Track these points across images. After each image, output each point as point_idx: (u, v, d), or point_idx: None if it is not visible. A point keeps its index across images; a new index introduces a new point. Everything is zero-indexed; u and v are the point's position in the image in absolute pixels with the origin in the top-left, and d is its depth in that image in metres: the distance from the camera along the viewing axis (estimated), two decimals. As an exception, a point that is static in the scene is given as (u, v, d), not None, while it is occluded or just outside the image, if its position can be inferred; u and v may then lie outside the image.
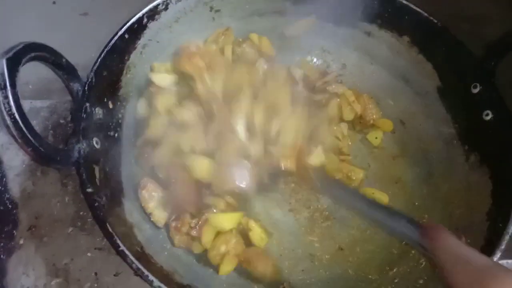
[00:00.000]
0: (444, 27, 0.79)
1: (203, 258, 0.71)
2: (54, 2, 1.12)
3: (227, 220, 0.70)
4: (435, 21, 0.80)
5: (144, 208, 0.70)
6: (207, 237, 0.68)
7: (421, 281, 0.68)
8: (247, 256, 0.70)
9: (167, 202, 0.70)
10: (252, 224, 0.73)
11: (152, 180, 0.71)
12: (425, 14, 0.80)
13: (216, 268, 0.70)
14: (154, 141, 0.73)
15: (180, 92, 0.77)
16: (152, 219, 0.70)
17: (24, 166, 0.83)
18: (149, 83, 0.78)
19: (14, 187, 0.80)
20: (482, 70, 0.75)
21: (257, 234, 0.73)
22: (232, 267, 0.70)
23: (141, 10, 0.77)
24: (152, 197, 0.70)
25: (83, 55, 0.71)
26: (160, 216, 0.70)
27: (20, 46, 0.56)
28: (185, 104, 0.74)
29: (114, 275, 0.75)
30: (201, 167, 0.70)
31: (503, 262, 0.83)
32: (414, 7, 0.81)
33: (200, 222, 0.68)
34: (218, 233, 0.70)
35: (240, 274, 0.71)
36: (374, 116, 0.86)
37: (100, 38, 0.76)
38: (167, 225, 0.71)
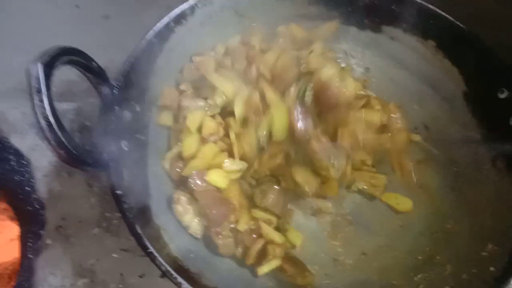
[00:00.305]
0: (470, 31, 0.79)
1: (230, 261, 0.72)
2: (77, 6, 1.14)
3: (279, 236, 0.73)
4: (461, 25, 0.79)
5: (180, 222, 0.71)
6: (255, 249, 0.71)
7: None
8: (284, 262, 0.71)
9: (202, 215, 0.71)
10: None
11: (184, 193, 0.72)
12: (451, 18, 0.80)
13: (241, 270, 0.71)
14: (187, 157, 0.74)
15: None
16: (189, 232, 0.71)
17: (51, 167, 0.84)
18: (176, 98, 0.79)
19: (42, 188, 0.82)
20: (509, 75, 0.74)
21: (293, 232, 0.75)
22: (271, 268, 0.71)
23: (166, 14, 0.78)
24: (186, 210, 0.71)
25: (106, 58, 0.72)
26: (197, 228, 0.71)
27: (55, 50, 0.57)
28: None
29: (140, 276, 0.75)
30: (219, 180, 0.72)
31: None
32: (440, 11, 0.81)
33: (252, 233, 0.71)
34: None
35: (270, 278, 0.72)
36: (399, 126, 0.84)
37: (122, 41, 0.77)
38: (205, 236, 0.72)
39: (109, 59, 0.75)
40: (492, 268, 0.63)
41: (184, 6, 0.79)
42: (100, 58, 0.68)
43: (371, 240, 0.78)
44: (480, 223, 0.71)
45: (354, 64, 0.93)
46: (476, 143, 0.79)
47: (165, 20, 0.77)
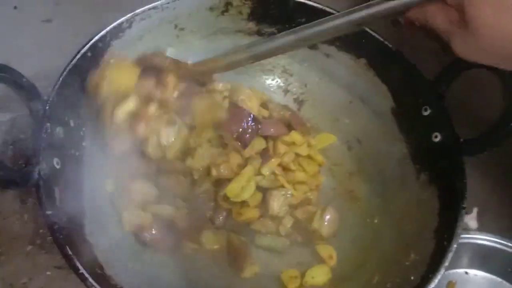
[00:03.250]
0: (398, 51, 0.83)
1: (170, 276, 0.73)
2: (15, 7, 1.10)
3: None
4: (390, 45, 0.84)
5: None
6: None
7: None
8: None
9: None
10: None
11: None
12: (381, 39, 0.84)
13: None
14: None
15: None
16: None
17: (-20, 183, 0.81)
18: None
19: (-30, 206, 0.79)
20: (433, 94, 0.80)
21: None
22: None
23: (104, 26, 0.77)
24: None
25: (46, 63, 0.70)
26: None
27: (-21, 68, 0.56)
28: None
29: (74, 294, 0.75)
30: None
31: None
32: (371, 32, 0.85)
33: None
34: None
35: None
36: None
37: (63, 46, 0.76)
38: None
39: (50, 64, 0.73)
40: (412, 277, 0.68)
41: (122, 19, 0.78)
42: (41, 64, 0.67)
43: (304, 250, 0.82)
44: (403, 232, 0.77)
45: (292, 80, 0.97)
46: (402, 156, 0.84)
47: (101, 33, 0.76)
